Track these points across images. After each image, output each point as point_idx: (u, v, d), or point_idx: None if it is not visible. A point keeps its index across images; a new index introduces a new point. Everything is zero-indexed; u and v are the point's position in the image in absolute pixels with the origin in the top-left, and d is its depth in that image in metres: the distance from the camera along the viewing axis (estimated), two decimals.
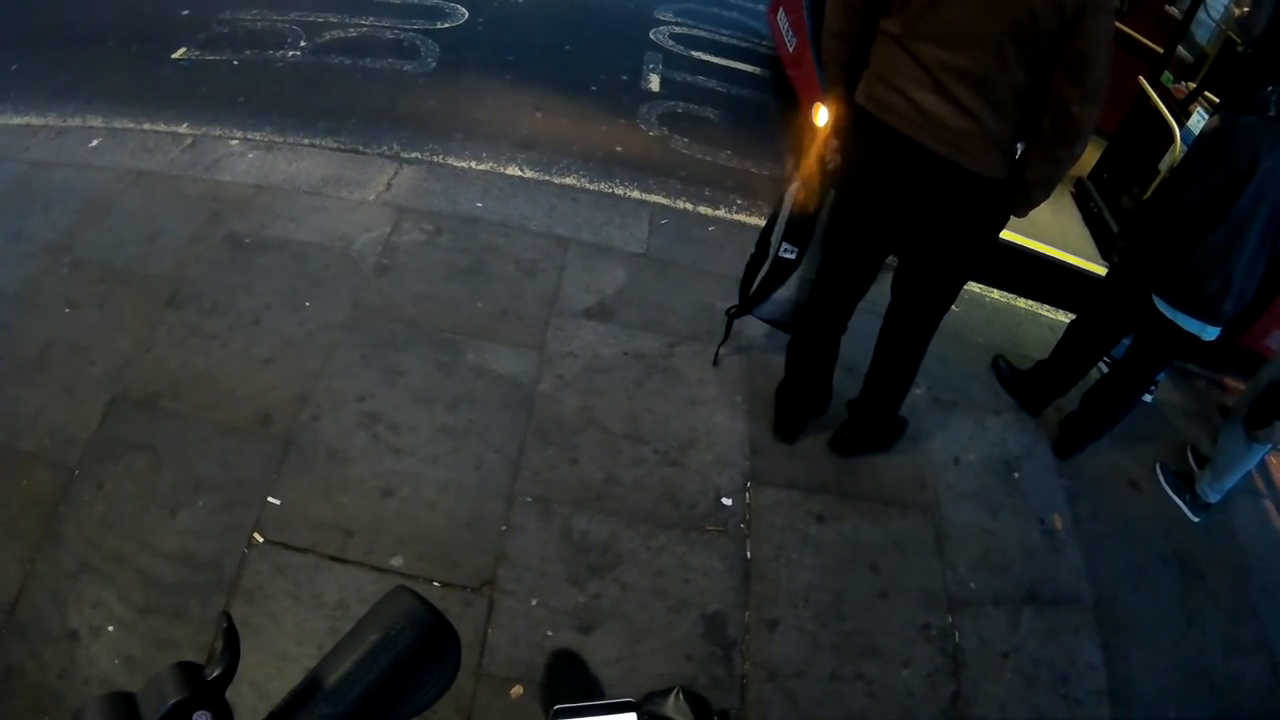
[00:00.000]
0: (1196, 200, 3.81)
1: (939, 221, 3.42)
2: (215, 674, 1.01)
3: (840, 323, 3.99)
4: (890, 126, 3.22)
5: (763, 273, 4.15)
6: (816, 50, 6.18)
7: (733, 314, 4.39)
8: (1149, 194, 5.55)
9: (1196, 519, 4.58)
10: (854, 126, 3.45)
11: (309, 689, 1.08)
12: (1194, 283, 3.90)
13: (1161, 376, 5.16)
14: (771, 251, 4.07)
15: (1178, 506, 4.61)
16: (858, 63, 3.34)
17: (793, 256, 4.02)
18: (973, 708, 3.57)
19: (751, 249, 4.21)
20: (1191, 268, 3.88)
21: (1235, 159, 3.67)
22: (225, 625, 1.04)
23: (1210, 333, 4.01)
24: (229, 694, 1.01)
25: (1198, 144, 3.94)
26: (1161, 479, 4.72)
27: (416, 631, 1.13)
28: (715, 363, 4.55)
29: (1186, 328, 4.01)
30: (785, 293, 4.13)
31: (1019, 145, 3.26)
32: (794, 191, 3.94)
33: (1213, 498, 4.56)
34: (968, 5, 2.90)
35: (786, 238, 4.00)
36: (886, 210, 3.49)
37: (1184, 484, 4.66)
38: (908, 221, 3.49)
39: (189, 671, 1.01)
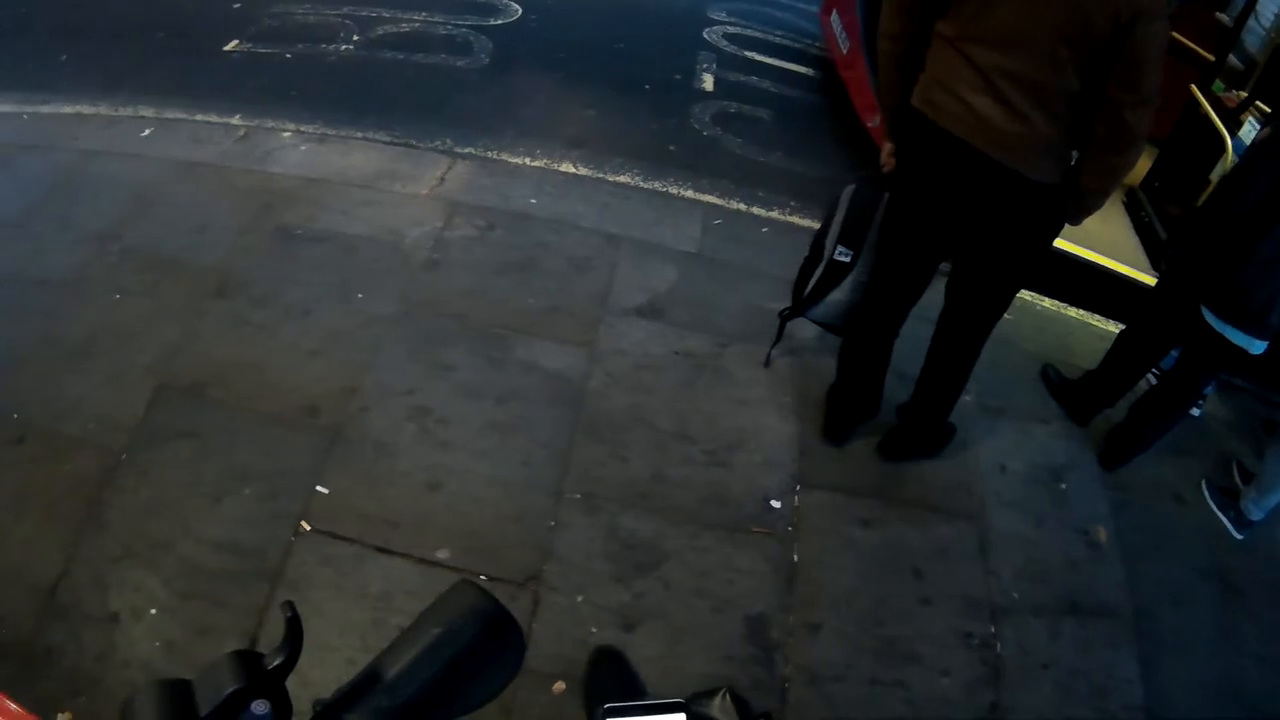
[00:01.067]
0: (1245, 210, 3.77)
1: (992, 227, 3.38)
2: (276, 663, 0.98)
3: (893, 327, 3.95)
4: (945, 130, 3.19)
5: (817, 275, 4.10)
6: (870, 52, 6.14)
7: (785, 316, 4.34)
8: (1199, 203, 5.47)
9: (1240, 536, 4.47)
10: (908, 130, 3.42)
11: (368, 680, 1.06)
12: (1242, 295, 3.83)
13: (1210, 390, 5.07)
14: (826, 254, 4.03)
15: (1221, 523, 4.51)
16: (912, 65, 3.31)
17: (848, 259, 3.97)
18: (1010, 718, 3.51)
19: (805, 250, 4.16)
20: (1239, 279, 3.82)
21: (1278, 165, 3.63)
22: (289, 615, 1.01)
23: (1258, 346, 3.93)
24: None
25: (1248, 154, 3.89)
26: (1207, 495, 4.62)
27: (478, 625, 1.11)
28: (767, 364, 4.51)
29: (1234, 340, 3.93)
30: (839, 295, 4.08)
31: (1074, 152, 3.21)
32: (849, 193, 3.90)
33: (1257, 515, 4.45)
34: (1021, 8, 2.89)
35: (841, 240, 3.95)
36: (940, 214, 3.47)
37: (1229, 500, 4.56)
38: (961, 226, 3.45)
39: (247, 660, 0.98)
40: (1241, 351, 3.97)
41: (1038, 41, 2.89)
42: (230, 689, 0.93)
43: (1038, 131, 3.06)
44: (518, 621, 1.14)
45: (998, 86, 3.02)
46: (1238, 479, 4.70)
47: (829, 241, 4.01)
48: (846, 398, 4.21)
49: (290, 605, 1.02)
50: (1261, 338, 3.89)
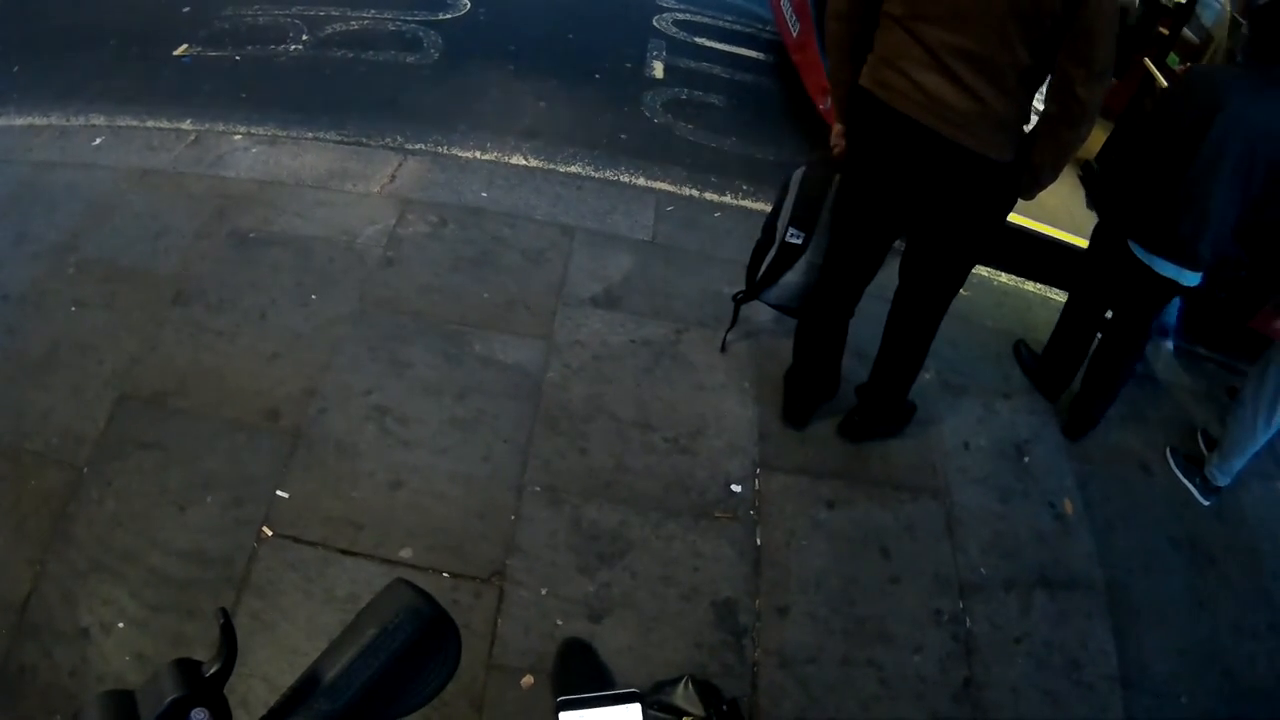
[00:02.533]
0: (1166, 139, 3.84)
1: (945, 204, 3.39)
2: (213, 671, 1.01)
3: (848, 307, 3.98)
4: (894, 109, 3.19)
5: (769, 258, 4.13)
6: (821, 35, 6.17)
7: (740, 300, 4.38)
8: (1120, 132, 5.51)
9: (1207, 502, 4.54)
10: (858, 110, 3.42)
11: (307, 685, 1.08)
12: (1168, 223, 3.89)
13: (1171, 347, 5.15)
14: (778, 236, 4.05)
15: (1188, 490, 4.58)
16: (861, 46, 3.31)
17: (799, 241, 3.99)
18: (985, 693, 3.56)
19: (758, 234, 4.19)
20: (1164, 208, 3.88)
21: (1202, 96, 3.71)
22: (222, 621, 1.03)
23: (1189, 278, 3.98)
24: (241, 689, 1.02)
25: (1171, 86, 3.92)
26: (1172, 463, 4.69)
27: (415, 624, 1.13)
28: (723, 349, 4.54)
29: (1163, 272, 3.98)
30: (792, 277, 4.10)
31: (1025, 127, 3.23)
32: (799, 176, 3.93)
33: (1222, 480, 4.53)
34: None
35: (793, 223, 3.97)
36: (892, 193, 3.47)
37: (1194, 467, 4.63)
38: (914, 204, 3.46)
39: (187, 669, 1.01)
40: (1173, 284, 4.02)
41: (986, 17, 2.89)
42: (171, 697, 0.96)
43: (989, 108, 3.07)
44: (453, 619, 1.17)
45: (947, 64, 3.03)
46: (1203, 446, 4.77)
47: (780, 224, 4.04)
48: (805, 380, 4.24)
49: (223, 612, 1.05)
50: (1192, 268, 3.94)
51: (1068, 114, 3.02)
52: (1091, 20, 2.81)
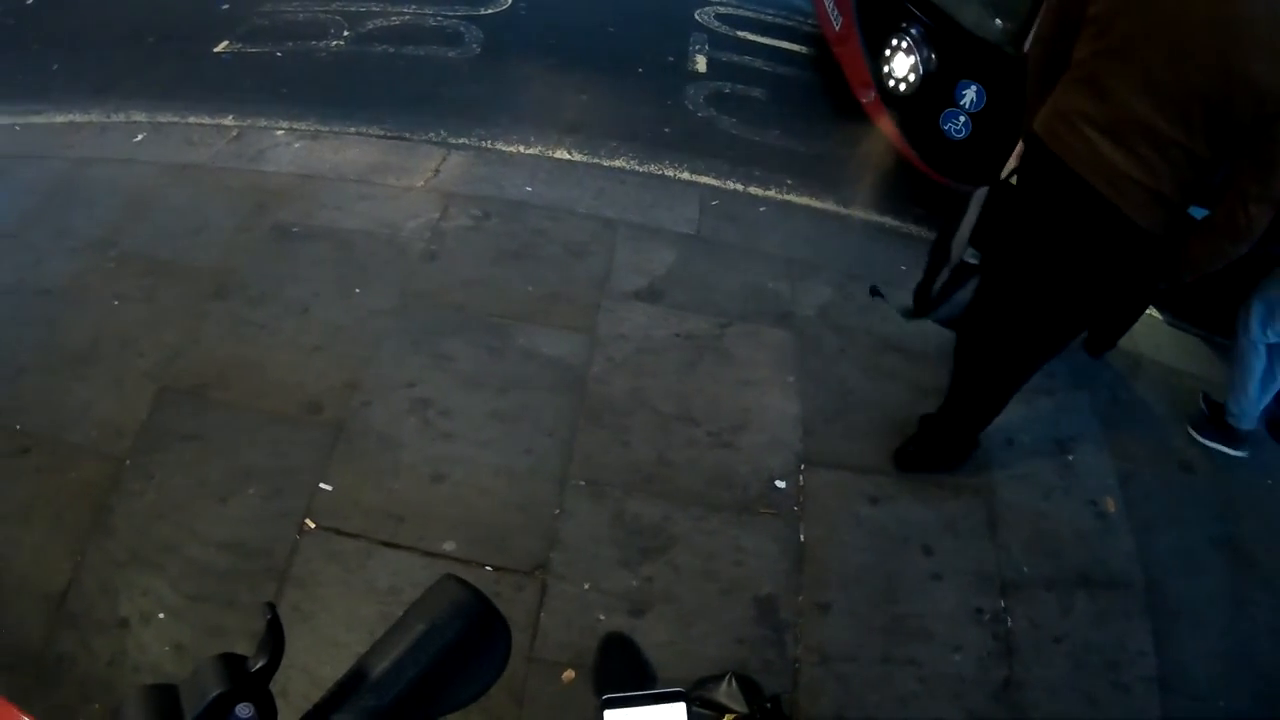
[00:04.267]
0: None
1: (1080, 251, 3.28)
2: (259, 666, 0.98)
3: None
4: (1065, 162, 3.13)
5: (943, 278, 4.10)
6: (861, 28, 6.13)
7: (910, 318, 4.32)
8: None
9: (1242, 453, 4.50)
10: (1028, 149, 3.42)
11: (353, 681, 1.06)
12: None
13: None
14: (954, 256, 4.02)
15: (1222, 453, 4.54)
16: (1055, 75, 3.23)
17: (977, 261, 3.97)
18: (1023, 693, 3.50)
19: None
20: None
21: None
22: (269, 616, 1.01)
23: None
24: (280, 680, 0.98)
25: None
26: (1197, 436, 4.65)
27: (464, 621, 1.10)
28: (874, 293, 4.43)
29: None
30: (963, 295, 4.07)
31: (1190, 210, 3.15)
32: (980, 197, 3.89)
33: (1246, 425, 4.48)
34: (1168, 62, 2.76)
35: (973, 243, 3.95)
36: (1037, 233, 3.42)
37: (1213, 427, 4.60)
38: (1052, 245, 3.37)
39: (231, 663, 0.99)
40: None
41: (1176, 100, 2.77)
42: (215, 693, 0.93)
43: (1157, 184, 2.95)
44: (503, 615, 1.13)
45: (1126, 135, 2.92)
46: (1204, 407, 4.73)
47: (956, 244, 4.01)
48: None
49: (270, 607, 1.01)
50: None
51: (1231, 225, 2.90)
52: (1278, 145, 2.72)
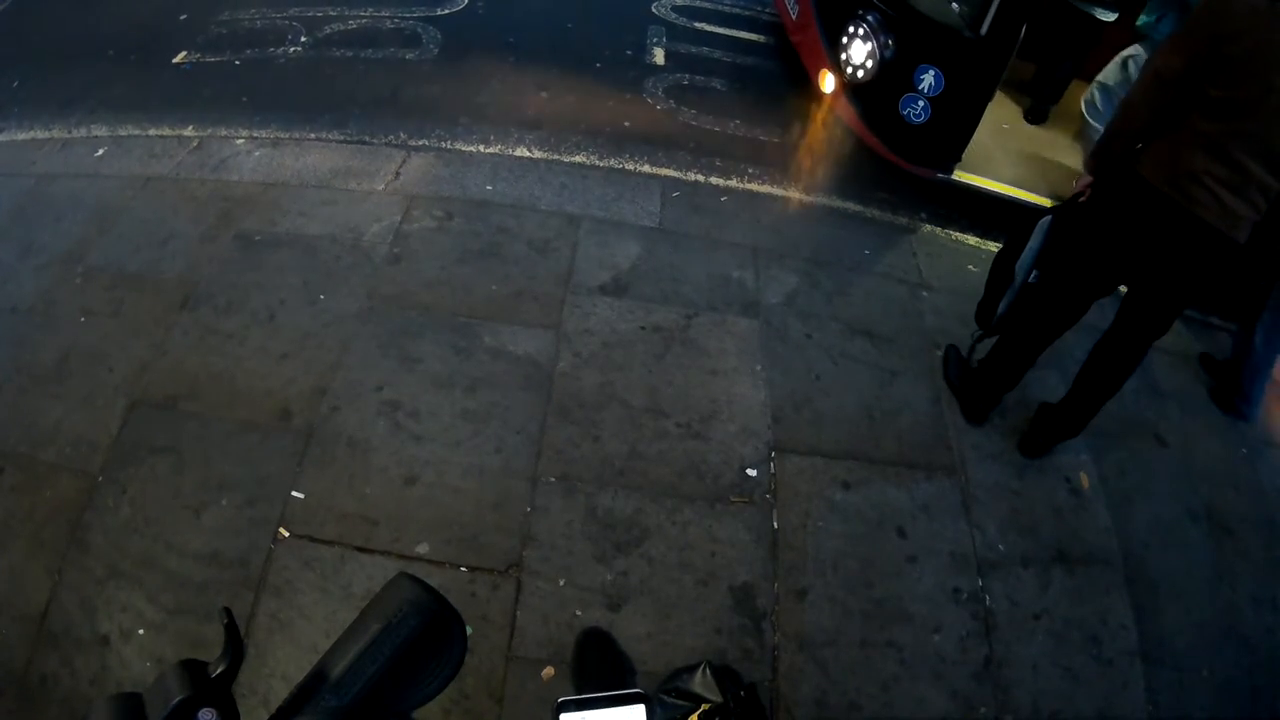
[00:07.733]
0: None
1: (1184, 269, 3.63)
2: (219, 671, 1.00)
3: (1057, 337, 4.16)
4: (1189, 211, 3.48)
5: (1008, 298, 4.26)
6: (819, 16, 6.16)
7: (978, 339, 4.50)
8: None
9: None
10: (1133, 195, 3.64)
11: (314, 682, 1.08)
12: None
13: None
14: (1019, 279, 4.18)
15: (1227, 447, 4.71)
16: (1169, 121, 3.54)
17: (1038, 282, 4.15)
18: (1005, 670, 3.56)
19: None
20: None
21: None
22: (226, 621, 1.03)
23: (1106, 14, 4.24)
24: (261, 689, 1.01)
25: None
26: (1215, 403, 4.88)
27: (419, 618, 1.13)
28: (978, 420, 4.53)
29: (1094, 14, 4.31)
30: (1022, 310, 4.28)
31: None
32: (1045, 224, 4.04)
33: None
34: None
35: (1037, 265, 4.12)
36: (1138, 258, 3.71)
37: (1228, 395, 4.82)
38: (1153, 266, 3.69)
39: (193, 669, 1.01)
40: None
41: None
42: (177, 698, 0.96)
43: (1259, 213, 3.48)
44: (458, 610, 1.16)
45: (1244, 186, 3.41)
46: (1204, 371, 4.91)
47: (1021, 265, 4.15)
48: (999, 386, 4.35)
49: (226, 612, 1.04)
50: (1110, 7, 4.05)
51: None
52: None
